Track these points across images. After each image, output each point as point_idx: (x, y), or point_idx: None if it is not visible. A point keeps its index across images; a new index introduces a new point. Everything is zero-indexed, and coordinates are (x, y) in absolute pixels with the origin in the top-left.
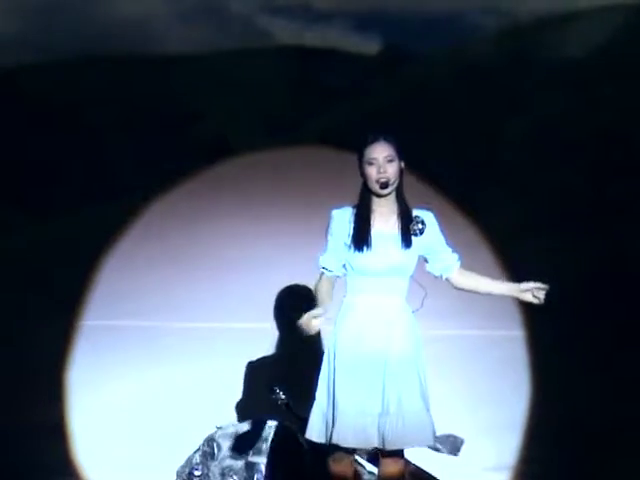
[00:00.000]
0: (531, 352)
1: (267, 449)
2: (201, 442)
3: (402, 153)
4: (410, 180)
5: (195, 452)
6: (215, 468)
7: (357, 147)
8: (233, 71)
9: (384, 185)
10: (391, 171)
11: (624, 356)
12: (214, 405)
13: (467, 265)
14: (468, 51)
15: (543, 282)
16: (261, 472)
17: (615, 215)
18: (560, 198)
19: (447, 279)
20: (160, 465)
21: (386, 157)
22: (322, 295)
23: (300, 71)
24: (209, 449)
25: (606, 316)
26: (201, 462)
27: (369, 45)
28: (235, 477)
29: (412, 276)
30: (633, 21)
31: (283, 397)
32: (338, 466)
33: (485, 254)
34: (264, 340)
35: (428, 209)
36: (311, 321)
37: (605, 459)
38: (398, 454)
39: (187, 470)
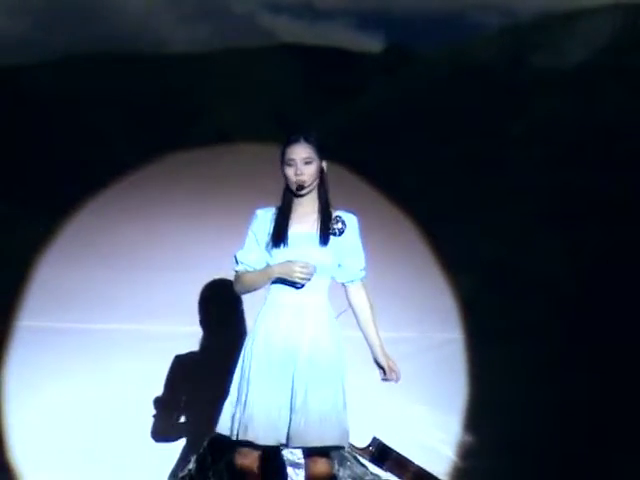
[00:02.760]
0: (469, 354)
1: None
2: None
3: (324, 152)
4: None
5: (194, 456)
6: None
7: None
8: (235, 70)
9: (300, 187)
10: (308, 172)
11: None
12: (145, 406)
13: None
14: (470, 50)
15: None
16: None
17: (616, 215)
18: (562, 198)
19: (344, 287)
20: (91, 467)
21: (304, 158)
22: (246, 280)
23: (302, 70)
24: (204, 454)
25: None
26: (195, 467)
27: (371, 44)
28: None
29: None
30: (634, 20)
31: None
32: (245, 460)
33: (486, 251)
34: (194, 341)
35: (352, 212)
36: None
37: (544, 459)
38: (324, 454)
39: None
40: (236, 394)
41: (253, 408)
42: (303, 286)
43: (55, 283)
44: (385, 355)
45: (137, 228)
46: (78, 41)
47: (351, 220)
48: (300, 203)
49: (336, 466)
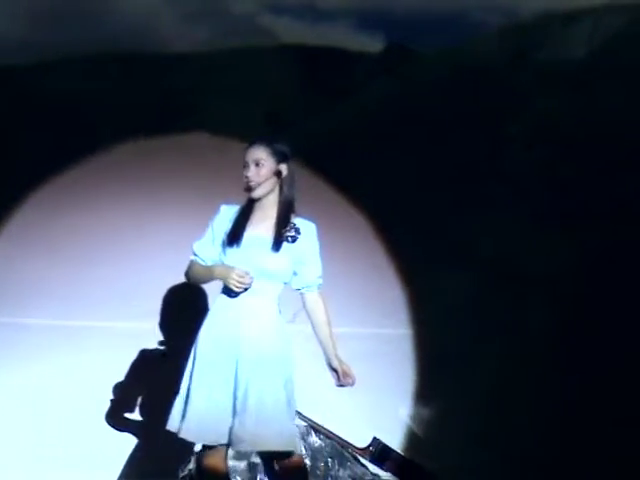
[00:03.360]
0: (419, 349)
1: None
2: None
3: (285, 157)
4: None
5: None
6: None
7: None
8: (236, 70)
9: (247, 189)
10: (258, 174)
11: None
12: (85, 404)
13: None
14: (471, 50)
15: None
16: (263, 473)
17: (616, 214)
18: (561, 196)
19: (301, 295)
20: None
21: (254, 160)
22: (195, 272)
23: (303, 70)
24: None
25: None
26: (195, 467)
27: (372, 44)
28: (238, 478)
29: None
30: (635, 20)
31: None
32: (210, 460)
33: (486, 250)
34: (143, 338)
35: (312, 221)
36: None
37: (489, 454)
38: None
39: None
40: (183, 392)
41: (194, 407)
42: (238, 295)
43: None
44: (339, 360)
45: (86, 222)
46: (78, 42)
47: (307, 228)
48: (261, 206)
49: (336, 466)
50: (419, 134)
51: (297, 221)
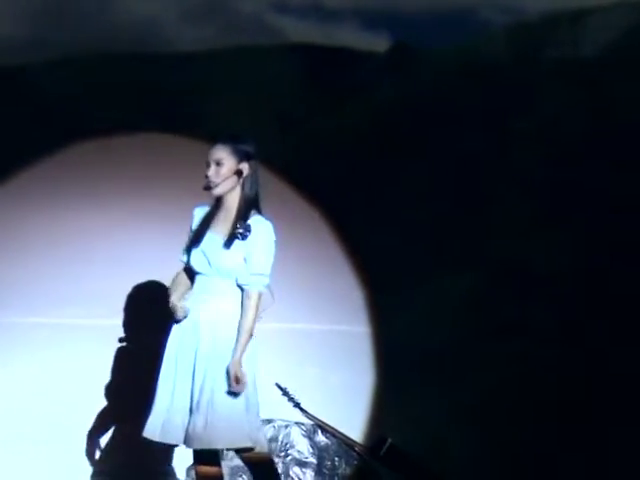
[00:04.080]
0: (376, 346)
1: (277, 449)
2: None
3: (247, 156)
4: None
5: None
6: (224, 468)
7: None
8: (243, 69)
9: (206, 187)
10: (217, 173)
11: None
12: (60, 403)
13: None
14: (478, 49)
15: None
16: None
17: (624, 213)
18: (568, 195)
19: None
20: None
21: (215, 159)
22: (175, 282)
23: (310, 69)
24: None
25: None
26: None
27: (379, 43)
28: (244, 476)
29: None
30: None
31: (295, 398)
32: (202, 467)
33: (492, 248)
34: (114, 336)
35: (268, 220)
36: (176, 304)
37: (493, 454)
38: (212, 457)
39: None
40: (155, 393)
41: (158, 406)
42: (180, 321)
43: None
44: (238, 365)
45: (53, 218)
46: (85, 40)
47: (260, 226)
48: (226, 206)
49: (343, 465)
50: (426, 133)
51: (254, 219)
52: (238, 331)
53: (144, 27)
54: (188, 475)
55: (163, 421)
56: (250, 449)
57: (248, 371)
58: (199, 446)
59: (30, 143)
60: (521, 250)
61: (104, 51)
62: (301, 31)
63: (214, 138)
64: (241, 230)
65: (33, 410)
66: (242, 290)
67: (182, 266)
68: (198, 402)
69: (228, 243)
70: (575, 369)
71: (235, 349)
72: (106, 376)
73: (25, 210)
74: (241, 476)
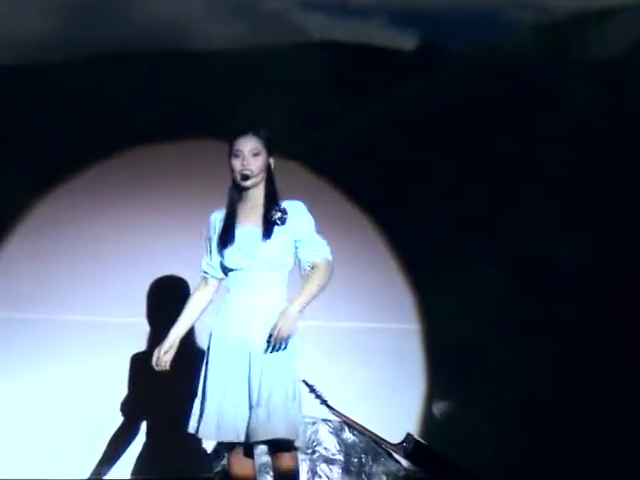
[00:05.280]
0: (426, 345)
1: (305, 446)
2: None
3: (271, 149)
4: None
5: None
6: None
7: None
8: (267, 67)
9: (245, 177)
10: (255, 164)
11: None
12: (98, 401)
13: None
14: (504, 48)
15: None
16: None
17: None
18: (597, 194)
19: (313, 268)
20: (60, 462)
21: (251, 150)
22: (189, 307)
23: (334, 67)
24: None
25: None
26: None
27: (404, 41)
28: (272, 473)
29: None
30: None
31: (322, 395)
32: (235, 469)
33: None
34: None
35: (298, 200)
36: (161, 356)
37: (521, 453)
38: (289, 449)
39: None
40: (199, 393)
41: (211, 406)
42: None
43: (18, 273)
44: (290, 318)
45: (100, 221)
46: (109, 38)
47: (295, 207)
48: (246, 199)
49: (370, 462)
50: (452, 132)
51: (285, 204)
52: (301, 292)
53: (170, 25)
54: (216, 465)
55: (218, 420)
56: (291, 443)
57: (288, 368)
58: (262, 438)
59: (61, 145)
60: (547, 248)
61: (131, 49)
62: (327, 29)
63: (236, 130)
64: (279, 214)
65: (77, 404)
66: (301, 269)
67: (200, 283)
68: (258, 396)
69: (268, 233)
70: (611, 367)
71: (292, 303)
72: (138, 374)
73: (71, 214)
74: (268, 472)
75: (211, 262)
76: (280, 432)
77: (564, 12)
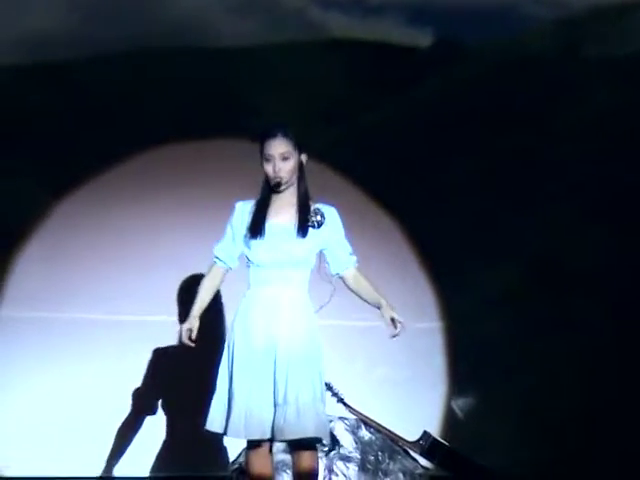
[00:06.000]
0: (449, 344)
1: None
2: None
3: (302, 146)
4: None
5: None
6: None
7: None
8: (286, 65)
9: (277, 185)
10: (286, 169)
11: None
12: (117, 399)
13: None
14: (522, 43)
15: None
16: None
17: None
18: (613, 191)
19: (340, 278)
20: (76, 459)
21: (281, 154)
22: (202, 292)
23: (352, 65)
24: None
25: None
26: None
27: (422, 38)
28: (288, 471)
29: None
30: None
31: (339, 393)
32: (254, 466)
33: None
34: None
35: (331, 205)
36: (185, 332)
37: (537, 450)
38: (310, 447)
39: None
40: (220, 390)
41: (238, 405)
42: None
43: (37, 273)
44: (391, 309)
45: (122, 220)
46: (127, 36)
47: (330, 212)
48: (279, 195)
49: (386, 460)
50: (469, 128)
51: (319, 206)
52: (369, 297)
53: (188, 22)
54: (233, 462)
55: (245, 419)
56: (319, 439)
57: (316, 366)
58: (291, 436)
59: (80, 146)
60: (563, 247)
61: (147, 46)
62: (344, 26)
63: (263, 132)
64: (318, 218)
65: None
66: (332, 275)
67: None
68: (285, 393)
69: (303, 232)
70: (629, 364)
71: (382, 304)
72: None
73: (88, 216)
74: (285, 471)
75: (226, 249)
76: (310, 431)
77: (581, 7)
